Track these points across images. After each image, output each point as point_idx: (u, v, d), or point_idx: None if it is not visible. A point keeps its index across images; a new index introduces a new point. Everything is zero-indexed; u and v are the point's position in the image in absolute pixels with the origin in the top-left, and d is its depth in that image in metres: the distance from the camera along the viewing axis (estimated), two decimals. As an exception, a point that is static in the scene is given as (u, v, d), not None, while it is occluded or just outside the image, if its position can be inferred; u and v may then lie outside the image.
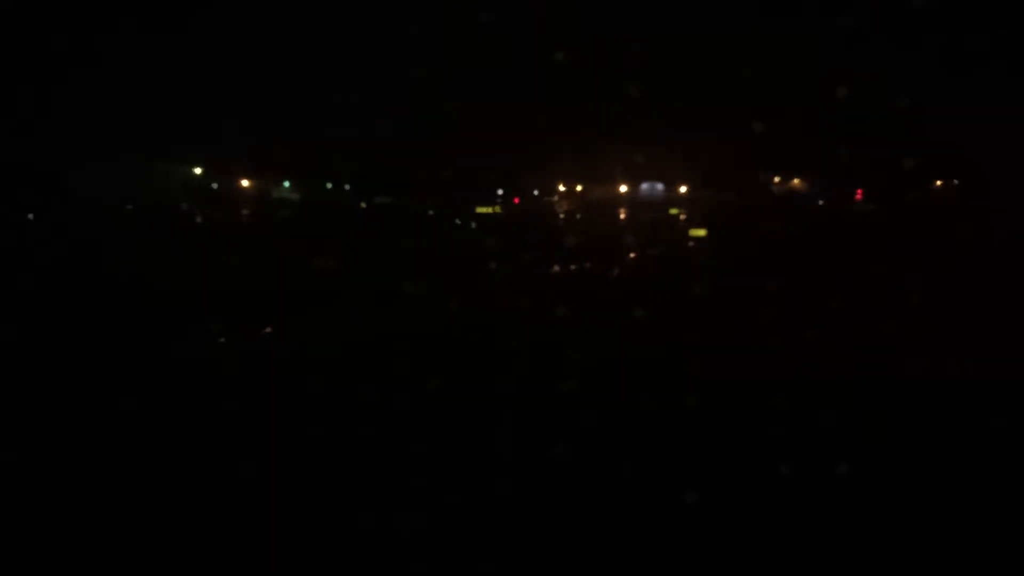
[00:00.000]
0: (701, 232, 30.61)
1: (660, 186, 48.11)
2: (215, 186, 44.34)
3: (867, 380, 7.90)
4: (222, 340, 9.82)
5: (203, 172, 44.35)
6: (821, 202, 43.88)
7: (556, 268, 19.41)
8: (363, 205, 43.72)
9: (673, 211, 42.27)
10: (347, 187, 46.70)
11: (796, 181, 46.63)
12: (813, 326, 10.13)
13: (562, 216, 42.48)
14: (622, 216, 42.31)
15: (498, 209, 42.65)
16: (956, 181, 41.96)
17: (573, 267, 19.67)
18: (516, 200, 45.26)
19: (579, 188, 48.14)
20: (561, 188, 47.96)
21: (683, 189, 46.46)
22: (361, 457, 5.73)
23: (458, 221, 37.03)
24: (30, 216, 28.27)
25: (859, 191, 42.57)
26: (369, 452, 5.82)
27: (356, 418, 6.63)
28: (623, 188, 47.34)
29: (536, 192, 46.37)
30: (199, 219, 34.18)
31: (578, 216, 41.44)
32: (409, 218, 35.35)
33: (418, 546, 4.52)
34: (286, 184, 47.02)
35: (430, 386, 7.40)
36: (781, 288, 13.46)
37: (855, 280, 14.72)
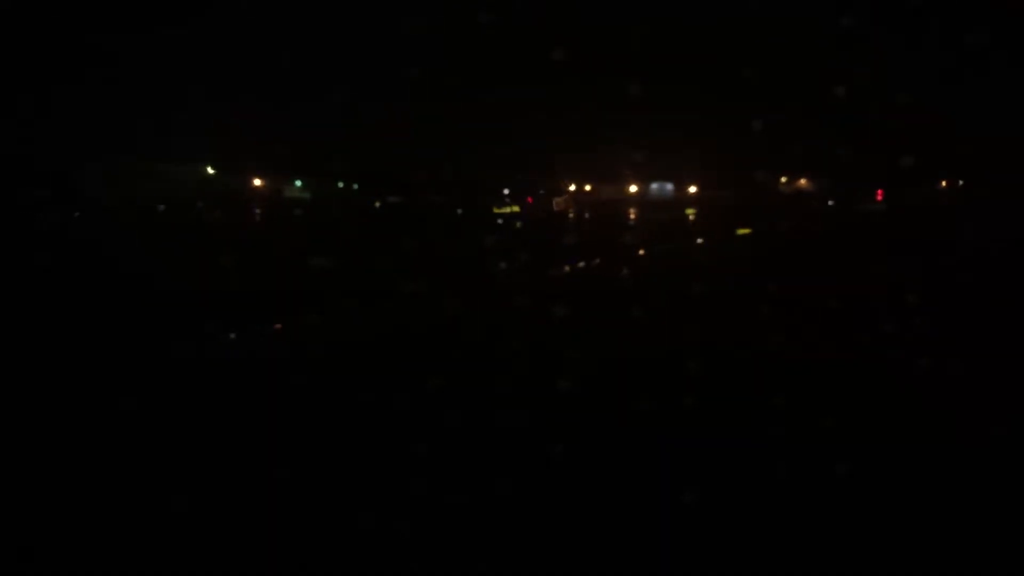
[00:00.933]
0: (746, 230, 30.40)
1: (670, 186, 48.09)
2: (222, 185, 44.53)
3: (870, 379, 7.94)
4: (232, 337, 9.97)
5: (216, 171, 44.63)
6: (831, 202, 43.59)
7: (582, 264, 19.70)
8: (377, 204, 43.81)
9: (689, 211, 42.19)
10: (355, 186, 46.80)
11: (803, 181, 46.45)
12: (835, 325, 10.21)
13: (571, 215, 42.62)
14: (632, 216, 42.26)
15: (516, 208, 42.84)
16: (961, 181, 41.63)
17: (596, 263, 19.92)
18: (529, 200, 45.48)
19: (587, 188, 48.19)
20: (571, 188, 47.98)
21: (692, 189, 46.46)
22: (361, 457, 5.77)
23: (500, 221, 37.24)
24: (77, 214, 28.41)
25: (879, 191, 41.97)
26: (370, 451, 5.87)
27: (363, 416, 6.70)
28: (633, 188, 47.36)
29: (542, 192, 46.41)
30: (212, 218, 34.38)
31: (587, 215, 41.58)
32: (441, 218, 35.24)
33: (418, 546, 4.54)
34: (297, 183, 47.23)
35: (458, 383, 7.51)
36: (792, 288, 13.52)
37: (865, 279, 14.71)
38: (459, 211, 39.46)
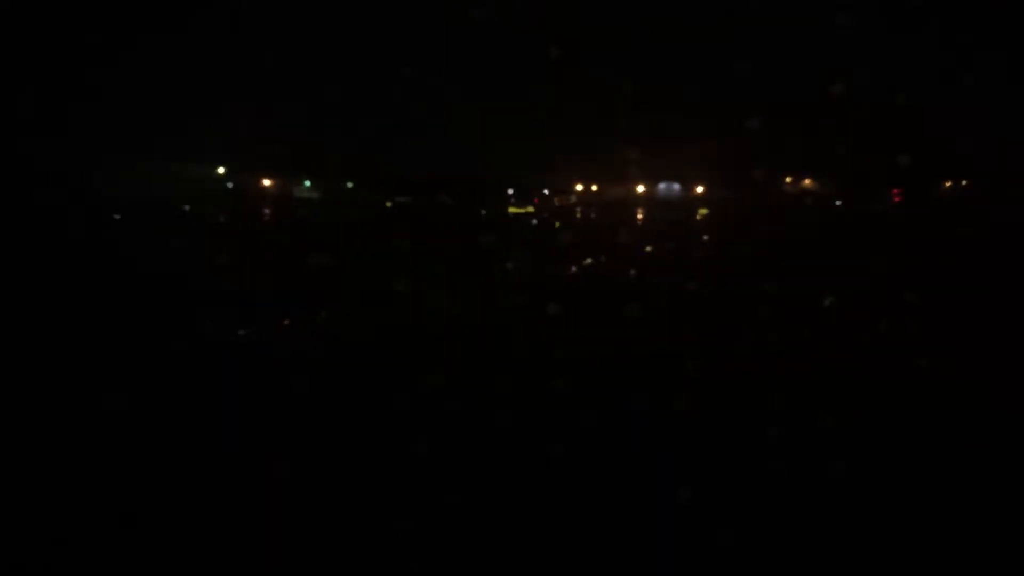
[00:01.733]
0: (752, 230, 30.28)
1: (677, 186, 48.09)
2: (230, 185, 44.71)
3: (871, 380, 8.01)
4: (241, 333, 10.15)
5: (226, 172, 44.84)
6: (838, 202, 43.38)
7: (589, 261, 19.93)
8: (388, 204, 43.87)
9: (702, 211, 42.10)
10: (361, 186, 46.82)
11: (808, 181, 46.36)
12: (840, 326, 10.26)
13: (578, 214, 42.83)
14: (640, 216, 42.27)
15: (531, 209, 43.04)
16: (965, 182, 41.37)
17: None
18: (536, 200, 45.70)
19: (594, 188, 48.24)
20: (578, 188, 48.08)
21: (700, 189, 46.46)
22: (361, 456, 5.86)
23: (534, 221, 37.61)
24: (117, 216, 28.55)
25: (895, 192, 41.58)
26: (371, 450, 5.96)
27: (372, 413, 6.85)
28: (640, 188, 47.38)
29: (545, 191, 46.60)
30: (223, 218, 34.62)
31: (593, 216, 41.77)
32: (457, 219, 35.27)
33: (417, 546, 4.58)
34: (307, 183, 47.42)
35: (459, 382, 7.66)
36: (799, 287, 13.58)
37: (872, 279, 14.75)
38: (484, 212, 39.73)
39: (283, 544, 4.61)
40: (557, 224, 36.72)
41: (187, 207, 35.04)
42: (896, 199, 41.49)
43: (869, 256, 18.99)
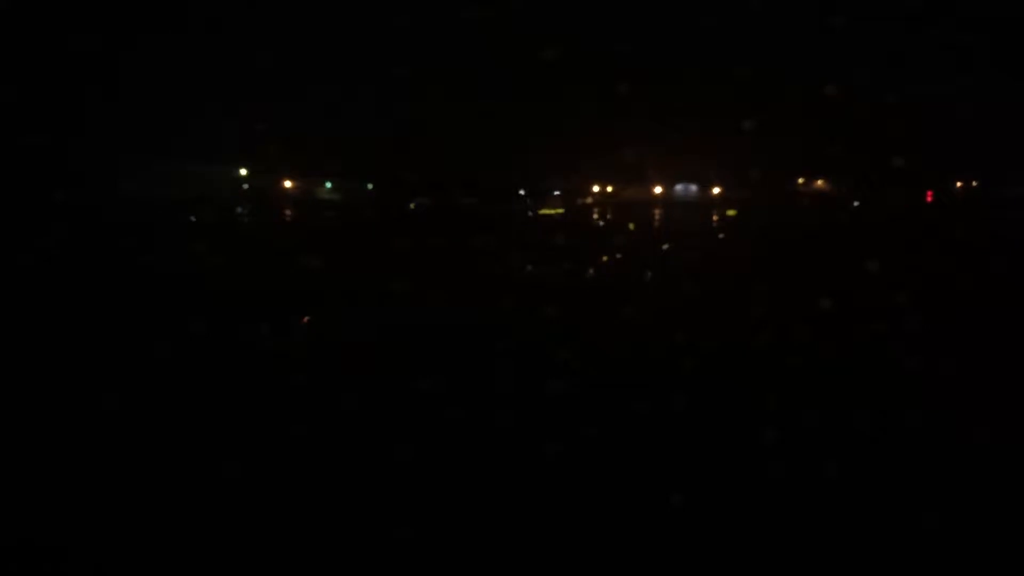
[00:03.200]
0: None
1: (694, 187, 48.10)
2: (245, 186, 45.06)
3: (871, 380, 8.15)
4: (263, 328, 10.42)
5: (248, 173, 45.30)
6: (856, 203, 43.12)
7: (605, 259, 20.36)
8: (412, 206, 44.07)
9: (731, 212, 41.95)
10: (379, 187, 47.04)
11: (820, 182, 46.19)
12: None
13: (596, 216, 43.01)
14: (656, 216, 42.27)
15: (560, 210, 43.26)
16: (975, 182, 41.00)
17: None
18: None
19: (609, 189, 48.34)
20: (595, 188, 48.19)
21: (716, 190, 46.44)
22: (363, 457, 5.97)
23: (601, 223, 37.85)
24: (192, 219, 28.64)
25: (929, 192, 41.12)
26: (376, 451, 6.09)
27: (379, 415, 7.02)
28: (658, 189, 47.41)
29: (556, 192, 46.75)
30: (245, 219, 35.04)
31: (608, 216, 41.92)
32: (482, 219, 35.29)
33: (414, 547, 4.66)
34: (328, 185, 47.77)
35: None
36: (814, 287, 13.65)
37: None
38: (529, 213, 40.04)
39: (282, 545, 4.68)
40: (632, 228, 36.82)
41: (200, 208, 35.26)
42: (928, 198, 41.19)
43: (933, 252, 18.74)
